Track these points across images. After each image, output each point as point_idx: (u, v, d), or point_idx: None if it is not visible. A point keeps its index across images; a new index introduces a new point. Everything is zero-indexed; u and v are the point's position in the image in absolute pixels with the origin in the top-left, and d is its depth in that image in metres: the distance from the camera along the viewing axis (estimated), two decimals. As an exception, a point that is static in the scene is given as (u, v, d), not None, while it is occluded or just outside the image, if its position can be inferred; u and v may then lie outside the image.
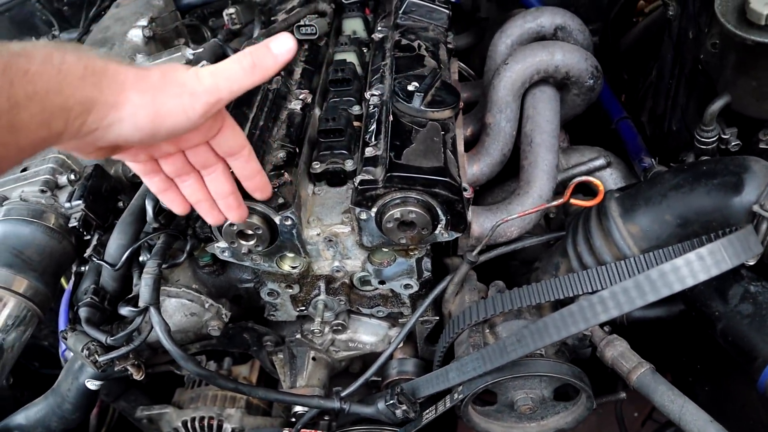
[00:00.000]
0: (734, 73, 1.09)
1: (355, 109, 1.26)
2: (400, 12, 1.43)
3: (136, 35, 1.48)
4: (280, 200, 1.05)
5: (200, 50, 1.35)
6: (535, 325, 0.94)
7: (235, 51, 1.44)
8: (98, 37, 1.54)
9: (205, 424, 1.50)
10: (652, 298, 0.83)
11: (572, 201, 1.06)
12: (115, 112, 0.66)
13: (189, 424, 1.50)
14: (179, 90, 0.71)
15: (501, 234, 1.29)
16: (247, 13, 1.64)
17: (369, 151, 1.09)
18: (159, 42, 1.54)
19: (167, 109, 0.70)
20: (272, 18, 1.52)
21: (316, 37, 1.41)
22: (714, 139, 1.15)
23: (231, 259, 1.16)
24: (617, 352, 1.06)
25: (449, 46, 1.43)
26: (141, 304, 1.07)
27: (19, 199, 1.19)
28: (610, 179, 1.47)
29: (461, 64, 1.78)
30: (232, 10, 1.57)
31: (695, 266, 0.82)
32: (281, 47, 0.75)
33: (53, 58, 0.60)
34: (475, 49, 1.95)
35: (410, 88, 1.15)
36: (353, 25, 1.56)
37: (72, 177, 1.19)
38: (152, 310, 1.06)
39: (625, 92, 1.78)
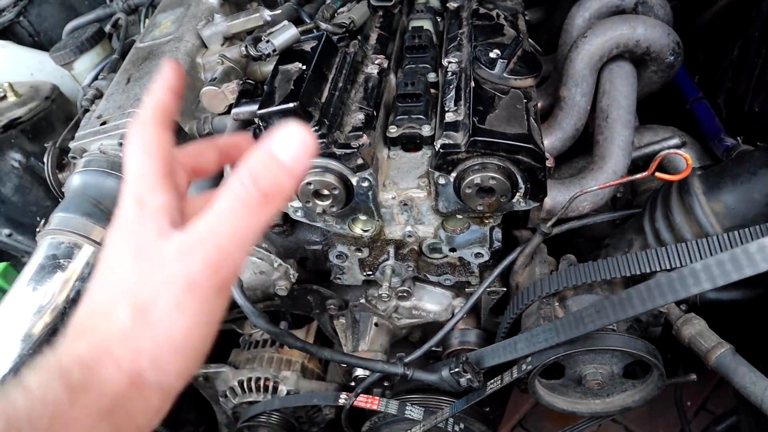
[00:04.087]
0: (835, 49, 1.04)
1: (431, 76, 1.24)
2: (477, -19, 1.41)
3: (211, -4, 1.49)
4: (359, 161, 1.04)
5: (277, 12, 1.35)
6: (617, 297, 0.92)
7: (310, 16, 1.43)
8: (174, -2, 1.56)
9: (261, 384, 1.52)
10: (749, 272, 0.80)
11: (657, 175, 1.03)
12: None
13: (245, 384, 1.53)
14: None
15: (573, 209, 1.27)
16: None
17: (450, 116, 1.08)
18: (233, 5, 1.54)
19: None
20: (346, -16, 1.51)
21: (391, 4, 1.40)
22: (807, 118, 1.11)
23: (304, 219, 1.16)
24: (695, 330, 1.04)
25: (526, 17, 1.40)
26: (217, 258, 1.08)
27: (99, 152, 1.21)
28: (684, 160, 1.44)
29: (529, 39, 1.75)
30: (304, -25, 1.57)
31: (798, 241, 0.79)
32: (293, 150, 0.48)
33: None
34: (543, 25, 1.92)
35: (492, 55, 1.14)
36: (427, -6, 1.54)
37: (150, 132, 1.20)
38: (227, 264, 1.07)
39: (699, 73, 1.73)
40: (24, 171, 1.64)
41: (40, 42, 2.16)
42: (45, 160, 1.36)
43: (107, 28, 1.80)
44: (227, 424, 1.68)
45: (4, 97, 1.71)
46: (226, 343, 1.67)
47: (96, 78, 1.55)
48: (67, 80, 1.88)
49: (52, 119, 1.73)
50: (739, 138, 1.30)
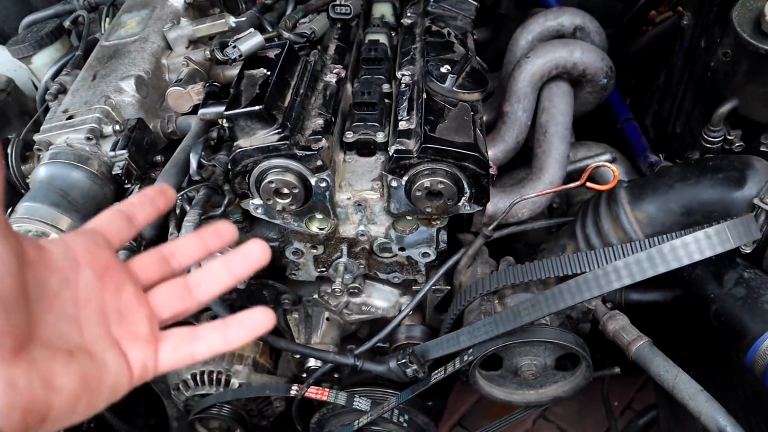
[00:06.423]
0: (744, 79, 1.19)
1: (385, 87, 1.33)
2: (432, 0, 1.51)
3: (177, 1, 1.54)
4: (318, 163, 1.12)
5: (242, 19, 1.41)
6: (550, 291, 1.03)
7: (271, 24, 1.51)
8: (139, 0, 1.60)
9: (214, 377, 1.57)
10: (662, 269, 0.92)
11: (588, 185, 1.15)
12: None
13: (198, 377, 1.57)
14: None
15: (512, 215, 1.38)
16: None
17: (403, 125, 1.17)
18: (196, 9, 1.60)
19: None
20: (306, -4, 1.59)
21: (349, 17, 1.49)
22: (720, 139, 1.25)
23: (263, 216, 1.23)
24: (619, 325, 1.15)
25: (474, 36, 1.51)
26: (180, 250, 1.13)
27: (65, 145, 1.24)
28: (614, 174, 1.57)
29: (477, 57, 1.86)
30: (266, -16, 1.63)
31: (702, 243, 0.92)
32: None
33: None
34: (490, 44, 2.04)
35: (443, 70, 1.23)
36: (382, 10, 1.64)
37: (117, 128, 1.25)
38: (190, 256, 1.13)
39: (630, 96, 1.88)
40: (-21, 163, 1.64)
41: (-11, 35, 2.14)
42: (8, 151, 1.38)
43: (66, 24, 1.82)
44: (177, 418, 1.71)
45: (-42, 89, 1.71)
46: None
47: (58, 73, 1.58)
48: (21, 73, 1.88)
49: (7, 112, 1.74)
50: (661, 155, 1.44)
